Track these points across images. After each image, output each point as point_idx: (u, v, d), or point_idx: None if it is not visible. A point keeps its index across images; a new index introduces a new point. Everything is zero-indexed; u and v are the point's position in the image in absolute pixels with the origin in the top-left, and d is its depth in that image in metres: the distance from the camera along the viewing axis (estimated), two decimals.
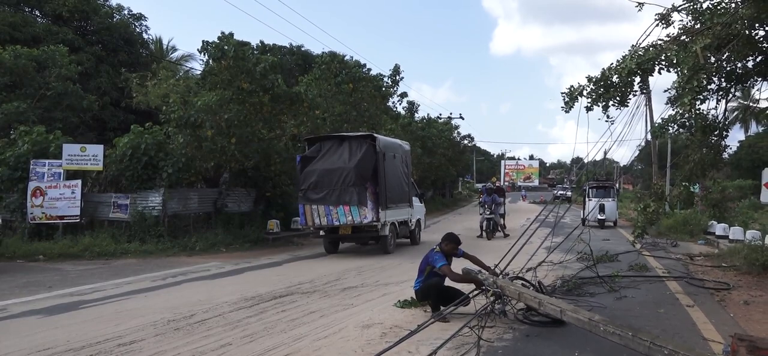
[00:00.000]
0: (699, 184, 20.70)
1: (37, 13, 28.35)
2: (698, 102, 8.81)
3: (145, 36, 32.57)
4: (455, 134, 46.26)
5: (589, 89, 8.78)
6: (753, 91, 12.99)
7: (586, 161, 15.05)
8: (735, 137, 48.12)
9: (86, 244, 13.73)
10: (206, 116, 15.34)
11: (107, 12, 29.56)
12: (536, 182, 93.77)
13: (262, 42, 33.64)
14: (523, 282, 7.18)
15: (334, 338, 5.91)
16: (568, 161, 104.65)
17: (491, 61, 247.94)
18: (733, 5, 8.45)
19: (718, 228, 17.11)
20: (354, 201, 13.17)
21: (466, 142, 53.82)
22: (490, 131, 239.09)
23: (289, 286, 9.27)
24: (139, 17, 31.77)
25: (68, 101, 21.68)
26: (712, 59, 8.64)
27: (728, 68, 9.81)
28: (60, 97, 21.29)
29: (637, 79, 8.86)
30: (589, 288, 8.48)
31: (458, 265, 7.09)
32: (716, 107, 10.33)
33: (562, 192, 47.88)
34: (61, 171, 14.97)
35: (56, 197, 14.67)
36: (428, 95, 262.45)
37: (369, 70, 22.51)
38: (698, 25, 8.69)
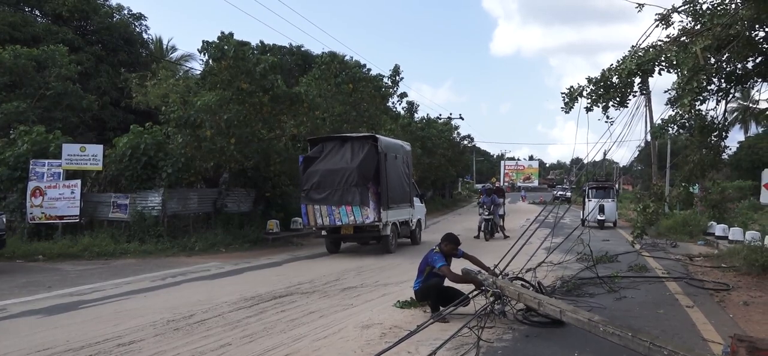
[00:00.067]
0: (698, 185, 20.72)
1: (37, 12, 28.34)
2: (698, 103, 8.82)
3: (144, 36, 32.59)
4: (455, 135, 46.27)
5: (588, 90, 8.79)
6: (753, 92, 12.99)
7: (585, 161, 15.05)
8: (735, 138, 48.23)
9: (86, 244, 13.72)
10: (206, 116, 15.34)
11: (107, 12, 29.55)
12: (536, 183, 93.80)
13: (262, 42, 33.66)
14: (523, 283, 7.18)
15: (334, 338, 5.91)
16: (568, 162, 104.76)
17: (491, 62, 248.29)
18: (733, 6, 8.46)
19: (718, 229, 17.13)
20: (356, 201, 13.26)
21: (465, 142, 53.81)
22: (489, 132, 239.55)
23: (288, 286, 9.27)
24: (139, 17, 31.79)
25: (68, 100, 21.67)
26: (712, 60, 8.64)
27: (728, 69, 9.82)
28: (60, 97, 21.28)
29: (637, 80, 8.88)
30: (588, 289, 8.48)
31: (458, 265, 7.09)
32: (716, 107, 10.34)
33: (561, 193, 47.87)
34: (61, 171, 14.96)
35: (56, 197, 14.66)
36: (428, 95, 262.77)
37: (369, 70, 22.54)
38: (698, 26, 8.70)
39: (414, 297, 7.24)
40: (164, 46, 35.42)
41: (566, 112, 8.99)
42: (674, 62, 8.28)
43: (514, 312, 6.52)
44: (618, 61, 8.68)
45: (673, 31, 8.99)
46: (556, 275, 9.70)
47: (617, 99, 8.87)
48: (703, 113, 9.83)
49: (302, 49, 37.98)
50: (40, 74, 21.13)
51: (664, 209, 19.63)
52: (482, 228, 18.27)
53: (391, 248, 14.27)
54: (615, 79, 8.63)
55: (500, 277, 6.96)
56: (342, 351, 5.47)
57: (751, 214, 22.25)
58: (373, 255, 13.77)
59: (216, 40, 15.56)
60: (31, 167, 15.01)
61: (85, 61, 25.17)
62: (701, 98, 8.93)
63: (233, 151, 15.74)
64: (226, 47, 15.45)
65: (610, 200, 24.29)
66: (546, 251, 9.83)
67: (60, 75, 21.23)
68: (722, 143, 10.98)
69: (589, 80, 8.81)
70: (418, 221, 16.96)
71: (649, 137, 24.45)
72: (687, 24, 9.00)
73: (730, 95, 10.67)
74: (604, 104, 8.85)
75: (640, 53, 8.51)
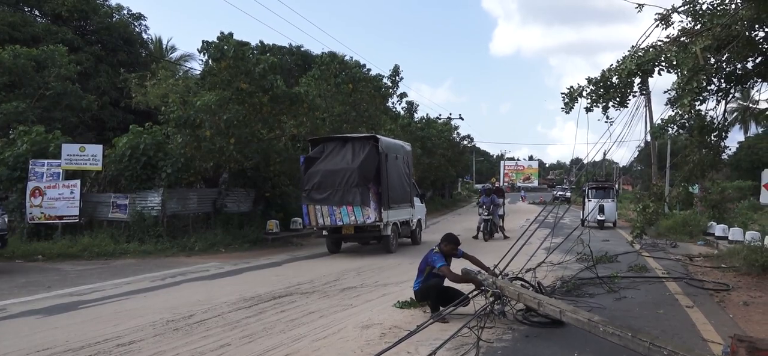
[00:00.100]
0: (698, 185, 20.72)
1: (37, 12, 28.35)
2: (698, 103, 8.82)
3: (144, 36, 32.63)
4: (455, 135, 46.31)
5: (588, 90, 8.78)
6: (752, 92, 13.00)
7: (585, 161, 15.04)
8: (734, 138, 48.27)
9: (85, 244, 13.72)
10: (205, 116, 15.34)
11: (107, 12, 29.56)
12: (535, 183, 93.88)
13: (261, 42, 33.67)
14: (523, 283, 7.18)
15: (334, 338, 5.91)
16: (568, 162, 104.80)
17: (491, 62, 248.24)
18: (733, 6, 8.46)
19: (718, 229, 17.13)
20: (357, 201, 13.31)
21: (465, 142, 53.86)
22: (489, 132, 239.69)
23: (288, 286, 9.26)
24: (139, 17, 31.83)
25: (67, 100, 21.68)
26: (712, 60, 8.64)
27: (728, 69, 9.82)
28: (59, 97, 21.28)
29: (637, 80, 8.87)
30: (588, 289, 8.48)
31: (458, 265, 7.08)
32: (716, 108, 10.34)
33: (561, 193, 47.88)
34: (60, 171, 14.95)
35: (55, 197, 14.65)
36: (428, 95, 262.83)
37: (369, 70, 22.53)
38: (698, 26, 8.70)
39: (414, 297, 7.24)
40: (164, 46, 35.44)
41: (566, 112, 8.99)
42: (674, 62, 8.28)
43: (514, 312, 6.52)
44: (618, 62, 8.67)
45: (672, 31, 9.00)
46: (556, 275, 9.70)
47: (617, 99, 8.87)
48: (703, 113, 9.83)
49: (302, 49, 38.03)
50: (39, 74, 21.13)
51: (664, 210, 19.62)
52: (481, 228, 18.22)
53: (392, 248, 14.32)
54: (615, 80, 8.63)
55: (500, 277, 6.96)
56: (342, 351, 5.47)
57: (750, 214, 22.25)
58: (372, 255, 13.77)
59: (216, 40, 15.57)
60: (30, 167, 15.00)
61: (84, 61, 25.17)
62: (701, 98, 8.93)
63: (233, 151, 15.73)
64: (225, 47, 15.45)
65: (609, 200, 24.29)
66: (546, 251, 9.83)
67: (59, 75, 21.23)
68: (722, 144, 10.98)
69: (589, 80, 8.80)
70: (419, 221, 17.01)
71: (648, 137, 24.49)
72: (687, 24, 9.00)
73: (730, 95, 10.67)
74: (604, 104, 8.84)
75: (639, 53, 8.51)
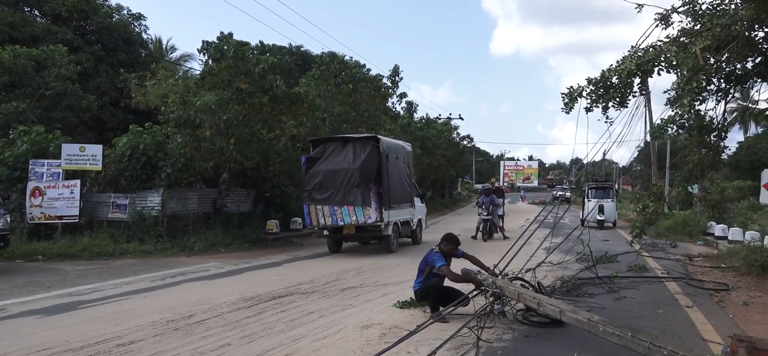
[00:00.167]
0: (698, 185, 20.71)
1: (37, 12, 28.35)
2: (697, 103, 8.82)
3: (144, 36, 32.63)
4: (455, 135, 46.31)
5: (588, 90, 8.78)
6: (752, 92, 12.99)
7: (585, 161, 15.04)
8: (734, 139, 48.28)
9: (85, 244, 13.72)
10: (205, 116, 15.35)
11: (106, 12, 29.56)
12: (535, 183, 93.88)
13: (261, 42, 33.67)
14: (523, 283, 7.18)
15: (334, 338, 5.91)
16: (568, 162, 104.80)
17: (491, 62, 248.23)
18: (733, 7, 8.46)
19: (717, 229, 17.13)
20: (358, 201, 13.38)
21: (465, 142, 53.88)
22: (489, 132, 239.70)
23: (288, 286, 9.26)
24: (139, 17, 31.85)
25: (67, 100, 21.68)
26: (712, 60, 8.64)
27: (727, 69, 9.82)
28: (59, 97, 21.28)
29: (637, 80, 8.87)
30: (588, 289, 8.48)
31: (458, 265, 7.09)
32: (715, 108, 10.34)
33: (561, 193, 47.88)
34: (60, 171, 14.95)
35: (55, 197, 14.65)
36: (428, 96, 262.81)
37: (369, 70, 22.53)
38: (698, 27, 8.70)
39: (414, 297, 7.24)
40: (164, 46, 35.44)
41: (566, 112, 8.98)
42: (674, 62, 8.27)
43: (514, 312, 6.52)
44: (618, 62, 8.67)
45: (672, 31, 8.99)
46: (556, 275, 9.70)
47: (617, 99, 8.87)
48: (703, 113, 9.83)
49: (302, 49, 38.06)
50: (39, 74, 21.13)
51: (664, 210, 19.63)
52: (480, 229, 18.18)
53: (393, 247, 14.38)
54: (615, 80, 8.62)
55: (500, 277, 6.96)
56: (341, 351, 5.47)
57: (750, 214, 22.24)
58: (372, 255, 13.78)
59: (215, 40, 15.57)
60: (30, 167, 15.00)
61: (84, 61, 25.18)
62: (700, 98, 8.93)
63: (233, 151, 15.74)
64: (225, 47, 15.44)
65: (609, 200, 24.29)
66: (545, 251, 9.84)
67: (59, 75, 21.23)
68: (721, 144, 10.98)
69: (589, 81, 8.80)
70: (419, 220, 17.07)
71: (648, 137, 24.50)
72: (686, 24, 9.00)
73: (730, 95, 10.67)
74: (603, 104, 8.84)
75: (639, 54, 8.51)
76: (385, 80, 22.94)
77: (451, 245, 7.01)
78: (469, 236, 17.90)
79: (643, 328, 5.55)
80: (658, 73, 8.61)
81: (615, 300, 7.84)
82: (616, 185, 37.21)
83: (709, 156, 10.75)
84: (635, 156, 52.39)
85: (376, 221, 13.62)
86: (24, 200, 14.74)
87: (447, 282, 6.92)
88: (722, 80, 9.92)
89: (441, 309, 6.63)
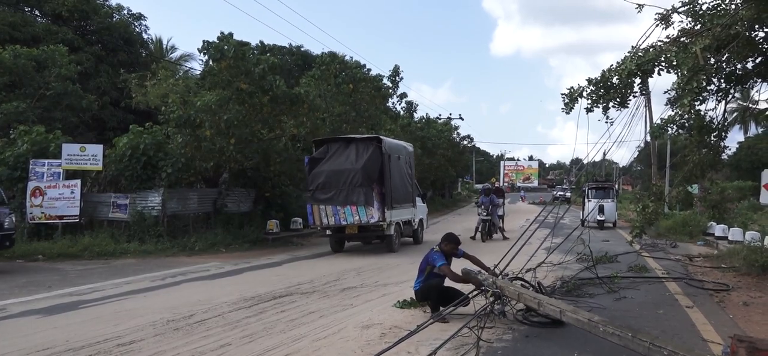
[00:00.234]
0: (698, 185, 20.70)
1: (37, 12, 28.36)
2: (698, 103, 8.81)
3: (144, 36, 32.65)
4: (455, 135, 46.30)
5: (589, 91, 8.78)
6: (752, 92, 13.00)
7: (585, 162, 15.05)
8: (734, 139, 48.27)
9: (85, 244, 13.73)
10: (206, 116, 15.35)
11: (107, 12, 29.57)
12: (535, 183, 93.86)
13: (261, 42, 33.73)
14: (523, 283, 7.18)
15: (334, 338, 5.91)
16: (568, 162, 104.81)
17: (491, 62, 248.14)
18: (733, 7, 8.46)
19: (718, 229, 17.13)
20: (361, 201, 13.50)
21: (465, 142, 53.88)
22: (489, 132, 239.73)
23: (288, 286, 9.27)
24: (139, 17, 31.85)
25: (68, 100, 21.68)
26: (712, 60, 8.63)
27: (728, 70, 9.82)
28: (59, 97, 21.29)
29: (637, 80, 8.86)
30: (588, 289, 8.48)
31: (458, 265, 7.09)
32: (715, 108, 10.33)
33: (561, 193, 47.86)
34: (61, 171, 14.97)
35: (55, 196, 14.66)
36: (428, 96, 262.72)
37: (369, 70, 22.53)
38: (698, 27, 8.70)
39: (414, 297, 7.25)
40: (164, 46, 35.49)
41: (566, 112, 8.97)
42: (674, 63, 8.27)
43: (514, 313, 6.52)
44: (618, 62, 8.67)
45: (672, 31, 8.98)
46: (556, 275, 9.71)
47: (618, 100, 8.86)
48: (703, 113, 9.82)
49: (302, 49, 38.12)
50: (39, 74, 21.14)
51: (664, 210, 19.62)
52: (479, 229, 18.11)
53: (395, 247, 14.50)
54: (615, 80, 8.62)
55: (500, 277, 6.97)
56: (342, 351, 5.47)
57: (750, 214, 22.22)
58: (373, 255, 13.80)
59: (216, 40, 15.57)
60: (30, 166, 15.01)
61: (84, 62, 25.19)
62: (701, 98, 8.92)
63: (233, 151, 15.75)
64: (225, 47, 15.45)
65: (609, 200, 24.28)
66: (546, 251, 9.83)
67: (60, 75, 21.24)
68: (722, 144, 10.98)
69: (590, 81, 8.80)
70: (420, 220, 17.19)
71: (648, 138, 24.49)
72: (687, 24, 8.99)
73: (730, 96, 10.67)
74: (604, 104, 8.84)
75: (640, 54, 8.51)
76: (385, 80, 22.96)
77: (451, 245, 7.02)
78: (468, 237, 17.88)
79: (644, 328, 5.55)
80: (659, 74, 8.61)
81: (615, 301, 7.84)
82: (617, 186, 37.18)
83: (709, 156, 10.74)
84: (635, 156, 52.38)
85: (379, 220, 13.74)
86: (24, 200, 14.74)
87: (447, 282, 6.92)
88: (722, 80, 9.92)
89: (441, 309, 6.64)
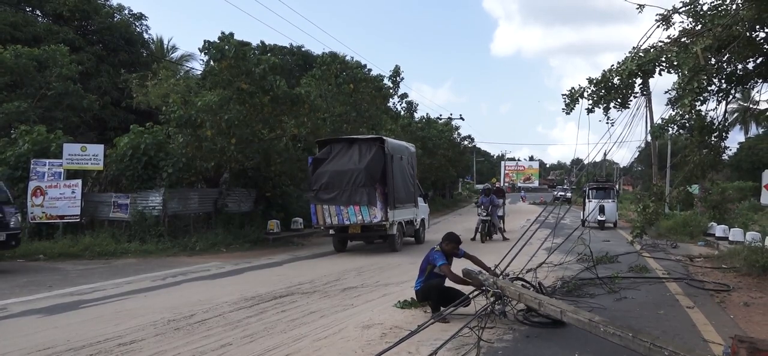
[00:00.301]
0: (699, 185, 20.67)
1: (38, 12, 28.37)
2: (698, 103, 8.81)
3: (145, 36, 32.65)
4: (455, 135, 46.28)
5: (590, 91, 8.78)
6: (753, 92, 12.97)
7: (586, 162, 15.05)
8: (735, 139, 48.23)
9: (86, 244, 13.74)
10: (206, 116, 15.36)
11: (108, 12, 29.58)
12: (536, 183, 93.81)
13: (262, 42, 33.72)
14: (524, 283, 7.19)
15: (334, 338, 5.92)
16: (568, 163, 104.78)
17: (491, 62, 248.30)
18: (734, 7, 8.45)
19: (718, 230, 17.10)
20: (364, 201, 13.60)
21: (466, 143, 53.85)
22: (490, 132, 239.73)
23: (289, 286, 9.27)
24: (140, 17, 31.85)
25: (69, 100, 21.68)
26: (713, 61, 8.63)
27: (728, 70, 9.81)
28: (60, 96, 21.29)
29: (638, 80, 8.86)
30: (589, 289, 8.48)
31: (459, 265, 7.09)
32: (716, 108, 10.33)
33: (561, 193, 47.84)
34: (62, 171, 14.98)
35: (56, 196, 14.66)
36: (428, 96, 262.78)
37: (369, 70, 22.54)
38: (699, 27, 8.70)
39: (415, 297, 7.25)
40: (165, 46, 35.49)
41: (567, 113, 8.97)
42: (675, 63, 8.27)
43: (515, 313, 6.52)
44: (619, 62, 8.67)
45: (673, 31, 8.99)
46: (557, 275, 9.70)
47: (618, 100, 8.86)
48: (704, 113, 9.82)
49: (303, 49, 38.09)
50: (41, 74, 21.14)
51: (664, 210, 19.61)
52: (479, 229, 18.03)
53: (398, 246, 14.61)
54: (616, 81, 8.62)
55: (501, 277, 6.97)
56: (342, 351, 5.47)
57: (751, 215, 22.19)
58: (373, 255, 13.81)
59: (217, 40, 15.58)
60: (32, 166, 15.02)
61: (85, 61, 25.20)
62: (701, 98, 8.92)
63: (234, 151, 15.77)
64: (226, 47, 15.45)
65: (610, 200, 24.26)
66: (546, 251, 9.82)
67: (61, 75, 21.24)
68: (722, 144, 10.97)
69: (590, 81, 8.80)
70: (422, 220, 17.33)
71: (649, 138, 24.49)
72: (687, 24, 8.99)
73: (731, 96, 10.66)
74: (605, 105, 8.84)
75: (640, 54, 8.51)
76: (385, 81, 22.95)
77: (452, 245, 7.02)
78: (468, 237, 17.85)
79: (644, 329, 5.55)
80: (659, 74, 8.61)
81: (616, 301, 7.84)
82: (617, 186, 37.15)
83: (709, 157, 10.74)
84: (636, 156, 52.33)
85: (382, 220, 13.85)
86: (25, 200, 14.75)
87: (448, 282, 6.92)
88: (723, 81, 9.92)
89: (442, 309, 6.64)
